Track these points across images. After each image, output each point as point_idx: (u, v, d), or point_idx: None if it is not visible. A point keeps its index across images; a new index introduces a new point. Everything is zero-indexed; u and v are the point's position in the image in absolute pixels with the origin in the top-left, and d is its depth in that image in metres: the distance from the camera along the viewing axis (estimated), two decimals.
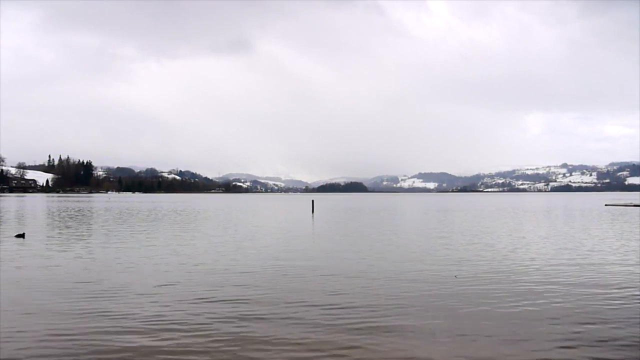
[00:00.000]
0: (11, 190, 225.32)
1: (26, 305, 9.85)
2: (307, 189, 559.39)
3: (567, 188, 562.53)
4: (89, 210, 53.57)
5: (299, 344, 7.56)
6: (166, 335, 7.97)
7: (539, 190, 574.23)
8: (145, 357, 7.02)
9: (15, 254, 17.45)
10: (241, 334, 8.01)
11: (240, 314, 9.21)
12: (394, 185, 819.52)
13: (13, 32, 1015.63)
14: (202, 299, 10.47)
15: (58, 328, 8.25)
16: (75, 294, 10.86)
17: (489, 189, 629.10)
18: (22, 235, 23.11)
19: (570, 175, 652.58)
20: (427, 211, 56.82)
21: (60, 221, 35.61)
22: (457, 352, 7.23)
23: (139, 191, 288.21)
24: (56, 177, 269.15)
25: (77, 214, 46.34)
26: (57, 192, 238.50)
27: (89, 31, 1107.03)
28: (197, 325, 8.47)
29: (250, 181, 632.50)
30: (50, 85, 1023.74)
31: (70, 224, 32.96)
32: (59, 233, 26.05)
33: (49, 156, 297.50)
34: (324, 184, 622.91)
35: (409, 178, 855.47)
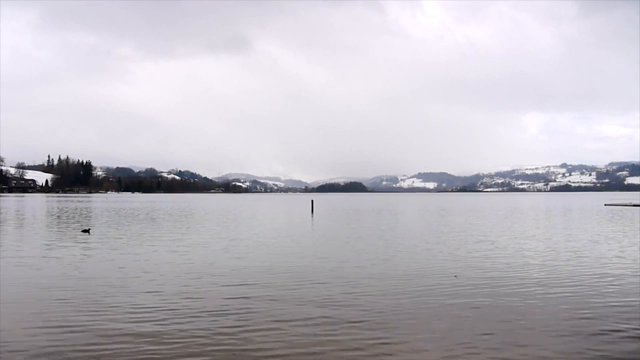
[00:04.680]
0: (10, 190, 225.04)
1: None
2: (307, 189, 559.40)
3: (566, 188, 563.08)
4: (115, 211, 53.63)
5: (297, 344, 7.58)
6: (166, 336, 8.04)
7: (539, 190, 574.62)
8: (144, 355, 7.10)
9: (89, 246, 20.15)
10: (239, 336, 8.03)
11: (237, 317, 9.23)
12: (394, 185, 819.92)
13: (11, 31, 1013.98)
14: (201, 300, 10.54)
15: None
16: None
17: (489, 189, 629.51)
18: (87, 231, 25.81)
19: (570, 175, 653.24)
20: (427, 211, 56.87)
21: (108, 219, 36.77)
22: (457, 351, 7.25)
23: (138, 191, 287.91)
24: (55, 177, 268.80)
25: (109, 213, 46.47)
26: (57, 192, 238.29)
27: (87, 31, 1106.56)
28: (196, 325, 8.54)
29: (250, 181, 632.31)
30: (49, 85, 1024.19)
31: (115, 221, 34.71)
32: (116, 229, 28.75)
33: (48, 156, 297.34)
34: (324, 183, 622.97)
35: (408, 178, 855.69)
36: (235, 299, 10.40)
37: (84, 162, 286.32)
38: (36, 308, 9.65)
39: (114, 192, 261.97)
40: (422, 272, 13.83)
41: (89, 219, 38.06)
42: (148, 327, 8.36)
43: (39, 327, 8.35)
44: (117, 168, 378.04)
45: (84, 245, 20.37)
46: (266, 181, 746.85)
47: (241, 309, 9.60)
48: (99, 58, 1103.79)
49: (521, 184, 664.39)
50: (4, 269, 14.33)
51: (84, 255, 17.36)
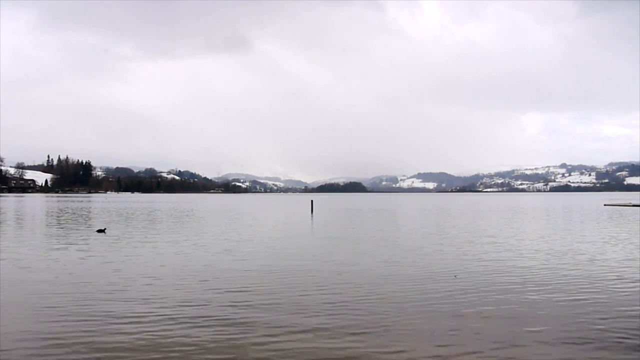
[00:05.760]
0: (10, 190, 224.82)
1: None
2: (307, 189, 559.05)
3: (566, 188, 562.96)
4: (116, 211, 53.64)
5: (296, 345, 7.59)
6: (167, 337, 8.06)
7: (538, 190, 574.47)
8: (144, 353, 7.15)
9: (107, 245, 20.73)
10: (238, 343, 8.00)
11: (236, 322, 9.18)
12: (393, 186, 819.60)
13: (11, 31, 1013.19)
14: (199, 305, 10.54)
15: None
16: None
17: (488, 189, 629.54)
18: (103, 231, 25.99)
19: (569, 175, 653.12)
20: (427, 211, 56.88)
21: (124, 219, 37.03)
22: (457, 352, 7.26)
23: (138, 191, 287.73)
24: (55, 177, 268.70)
25: (110, 214, 46.48)
26: (56, 192, 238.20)
27: (86, 31, 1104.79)
28: (194, 330, 8.55)
29: (250, 181, 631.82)
30: (49, 85, 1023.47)
31: (117, 222, 35.03)
32: (132, 229, 29.54)
33: (48, 156, 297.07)
34: (323, 184, 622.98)
35: (408, 178, 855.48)
36: (234, 304, 10.35)
37: (84, 162, 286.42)
38: (41, 308, 9.68)
39: (113, 192, 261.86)
40: (422, 272, 13.81)
41: (90, 219, 38.08)
42: (146, 331, 8.37)
43: (38, 328, 8.37)
44: (117, 168, 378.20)
45: (94, 244, 20.46)
46: (266, 181, 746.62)
47: (240, 313, 9.57)
48: (98, 58, 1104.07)
49: (521, 184, 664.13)
50: (20, 269, 14.36)
51: (92, 256, 17.35)
